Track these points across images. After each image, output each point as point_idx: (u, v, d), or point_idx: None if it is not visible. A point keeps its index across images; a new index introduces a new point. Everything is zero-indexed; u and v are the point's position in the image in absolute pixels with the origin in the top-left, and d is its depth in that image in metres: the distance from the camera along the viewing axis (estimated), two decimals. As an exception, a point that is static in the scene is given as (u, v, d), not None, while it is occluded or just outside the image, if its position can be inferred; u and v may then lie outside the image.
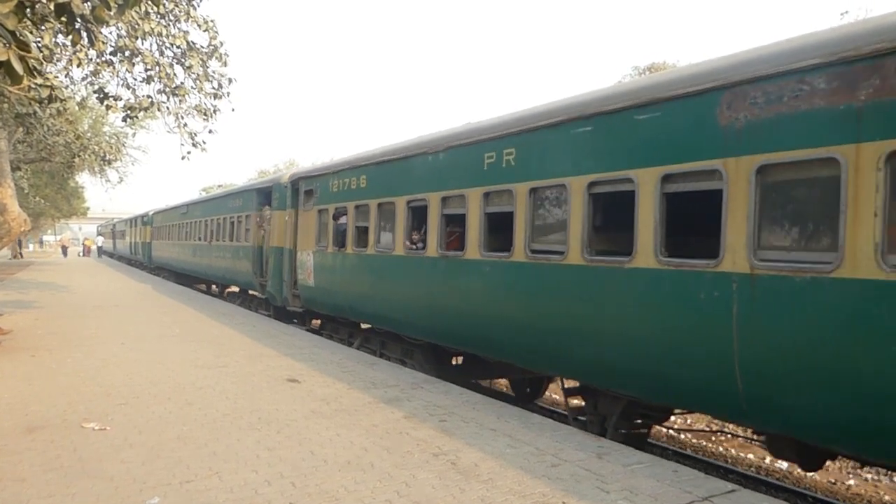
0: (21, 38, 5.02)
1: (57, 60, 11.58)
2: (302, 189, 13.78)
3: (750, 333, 4.92)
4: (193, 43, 11.52)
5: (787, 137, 4.77)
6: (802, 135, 4.70)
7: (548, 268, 6.94)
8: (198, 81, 11.76)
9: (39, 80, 7.68)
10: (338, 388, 7.76)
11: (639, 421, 7.02)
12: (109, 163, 25.82)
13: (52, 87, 8.59)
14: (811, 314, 4.59)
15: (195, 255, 24.74)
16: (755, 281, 4.89)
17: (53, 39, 9.84)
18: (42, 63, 8.64)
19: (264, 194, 16.79)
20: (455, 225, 8.72)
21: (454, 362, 10.26)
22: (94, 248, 62.88)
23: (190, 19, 11.23)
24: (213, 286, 25.91)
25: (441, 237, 8.77)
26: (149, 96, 11.66)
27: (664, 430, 9.63)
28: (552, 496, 4.48)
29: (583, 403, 7.47)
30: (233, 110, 13.89)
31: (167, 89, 11.55)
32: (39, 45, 9.04)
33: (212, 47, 11.76)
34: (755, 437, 7.21)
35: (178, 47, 11.30)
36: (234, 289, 22.17)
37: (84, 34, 7.98)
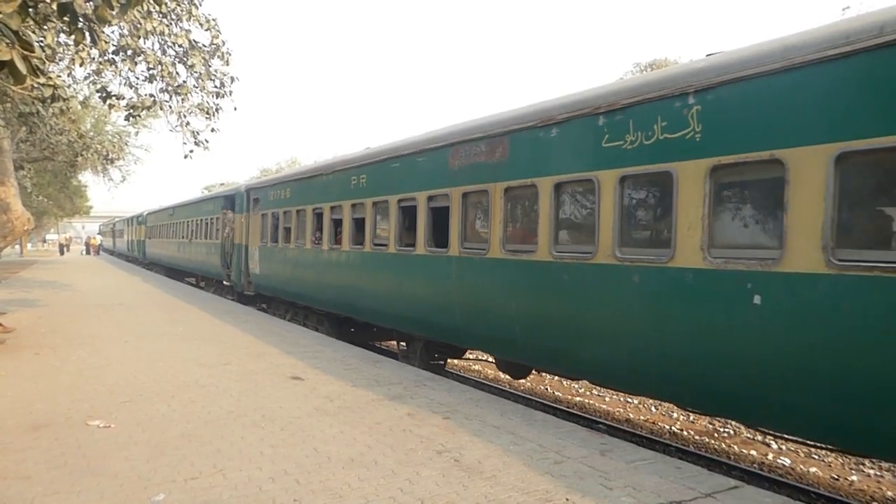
0: (24, 37, 5.03)
1: (59, 60, 11.60)
2: (252, 197, 17.57)
3: (459, 289, 8.57)
4: (195, 42, 11.51)
5: (472, 177, 8.39)
6: (477, 176, 8.31)
7: (380, 255, 10.57)
8: (200, 80, 11.76)
9: (42, 80, 7.69)
10: (341, 385, 7.79)
11: (437, 355, 10.40)
12: (112, 162, 25.80)
13: (54, 87, 8.61)
14: (481, 277, 8.18)
15: (179, 250, 28.40)
16: (460, 260, 8.55)
17: (56, 39, 9.85)
18: (45, 62, 8.63)
19: (230, 200, 20.14)
20: (339, 226, 12.17)
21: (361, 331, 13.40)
22: (90, 245, 62.92)
23: (192, 18, 11.21)
24: (202, 281, 27.75)
25: (330, 235, 12.41)
26: (151, 95, 11.66)
27: (667, 427, 9.66)
28: (556, 493, 4.49)
29: (404, 345, 10.98)
30: (235, 109, 14.05)
31: (169, 88, 11.55)
32: (42, 44, 9.04)
33: (214, 46, 11.75)
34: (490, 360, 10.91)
35: (180, 46, 11.29)
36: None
37: (86, 33, 7.98)
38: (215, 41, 11.72)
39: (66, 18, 6.49)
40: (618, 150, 6.23)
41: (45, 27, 8.75)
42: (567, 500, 4.37)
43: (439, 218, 9.19)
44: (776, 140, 4.95)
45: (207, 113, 12.16)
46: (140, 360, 9.18)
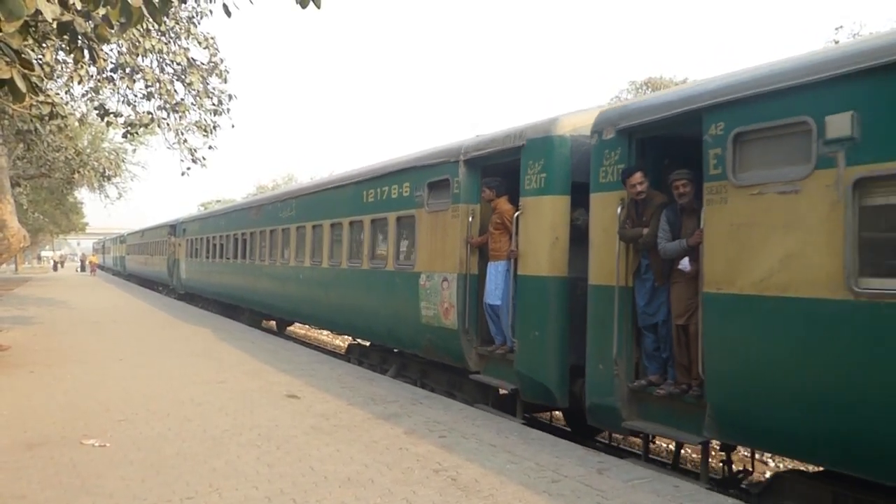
0: (24, 56, 5.06)
1: (58, 77, 11.64)
2: (182, 227, 26.46)
3: (241, 281, 18.23)
4: (194, 60, 11.57)
5: (234, 226, 19.47)
6: (231, 226, 19.70)
7: (224, 264, 19.81)
8: (198, 98, 11.80)
9: (41, 98, 7.72)
10: (337, 403, 7.75)
11: (263, 322, 18.63)
12: (109, 178, 25.81)
13: (53, 104, 8.61)
14: (236, 274, 18.79)
15: (146, 264, 37.33)
16: (234, 265, 18.77)
17: (55, 56, 9.89)
18: (43, 80, 8.68)
19: (173, 228, 28.26)
20: (216, 247, 20.96)
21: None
22: (87, 263, 62.61)
23: (190, 36, 11.28)
24: (161, 287, 33.60)
25: (211, 252, 21.45)
26: (149, 112, 11.69)
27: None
28: (553, 512, 4.47)
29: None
30: (233, 126, 14.00)
31: (167, 105, 11.58)
32: (41, 62, 9.08)
33: (212, 64, 11.81)
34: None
35: (178, 64, 11.34)
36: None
37: (86, 51, 8.01)
38: (213, 59, 11.78)
39: (65, 37, 6.53)
40: (282, 216, 14.66)
41: (45, 45, 8.78)
42: (565, 519, 4.35)
43: (237, 246, 18.28)
44: (317, 216, 12.68)
45: (205, 130, 12.19)
46: (135, 377, 9.13)
